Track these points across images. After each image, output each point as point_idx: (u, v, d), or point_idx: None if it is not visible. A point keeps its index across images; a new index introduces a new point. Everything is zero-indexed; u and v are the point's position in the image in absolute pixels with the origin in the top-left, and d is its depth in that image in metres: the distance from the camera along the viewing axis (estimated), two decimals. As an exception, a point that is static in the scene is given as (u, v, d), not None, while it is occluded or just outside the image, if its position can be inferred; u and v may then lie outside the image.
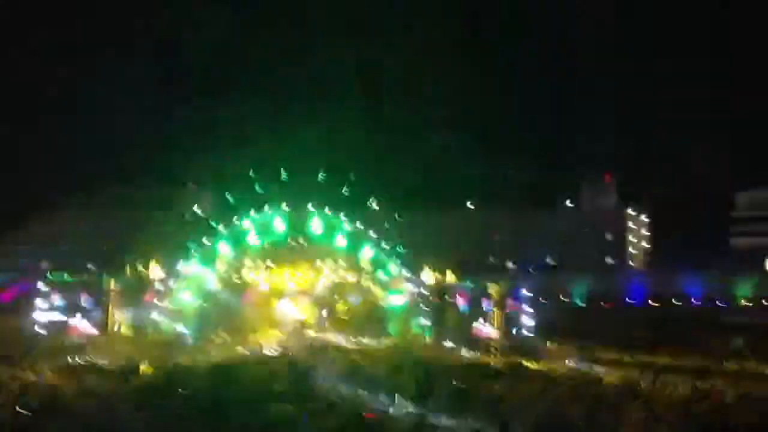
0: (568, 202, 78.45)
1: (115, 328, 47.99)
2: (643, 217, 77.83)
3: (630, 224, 77.11)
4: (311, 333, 49.71)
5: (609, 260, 70.51)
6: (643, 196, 76.96)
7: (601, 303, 58.52)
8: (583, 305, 58.91)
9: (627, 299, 60.70)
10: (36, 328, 46.33)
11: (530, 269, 59.01)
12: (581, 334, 47.27)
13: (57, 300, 48.19)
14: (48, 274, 50.70)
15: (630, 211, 77.79)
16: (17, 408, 21.78)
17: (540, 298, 55.53)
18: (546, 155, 79.49)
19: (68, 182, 68.02)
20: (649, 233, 77.55)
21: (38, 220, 70.05)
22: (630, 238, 76.14)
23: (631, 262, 74.60)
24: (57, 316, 47.44)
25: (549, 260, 67.40)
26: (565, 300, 59.30)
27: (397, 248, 53.74)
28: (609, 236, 72.95)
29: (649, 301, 60.54)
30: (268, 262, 53.35)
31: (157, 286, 50.70)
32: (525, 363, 37.69)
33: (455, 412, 21.91)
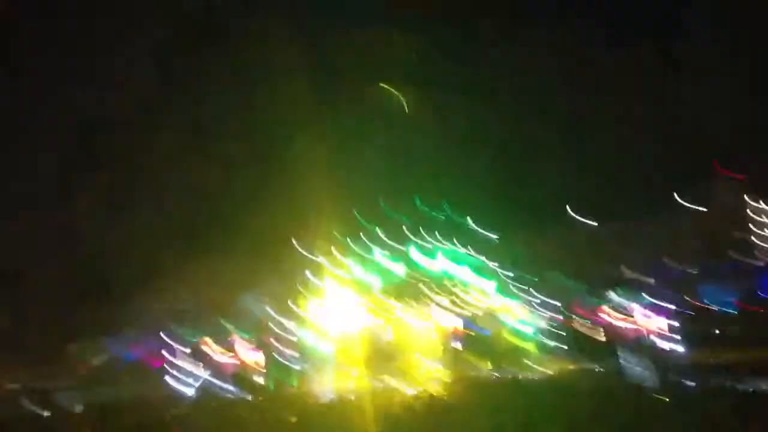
0: (699, 207, 74.34)
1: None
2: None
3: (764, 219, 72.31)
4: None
5: (750, 261, 65.93)
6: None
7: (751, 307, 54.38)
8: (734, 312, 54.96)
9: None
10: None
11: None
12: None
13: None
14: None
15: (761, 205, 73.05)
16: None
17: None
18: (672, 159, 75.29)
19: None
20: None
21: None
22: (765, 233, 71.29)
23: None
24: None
25: (689, 269, 63.42)
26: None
27: (523, 275, 52.33)
28: (746, 236, 68.32)
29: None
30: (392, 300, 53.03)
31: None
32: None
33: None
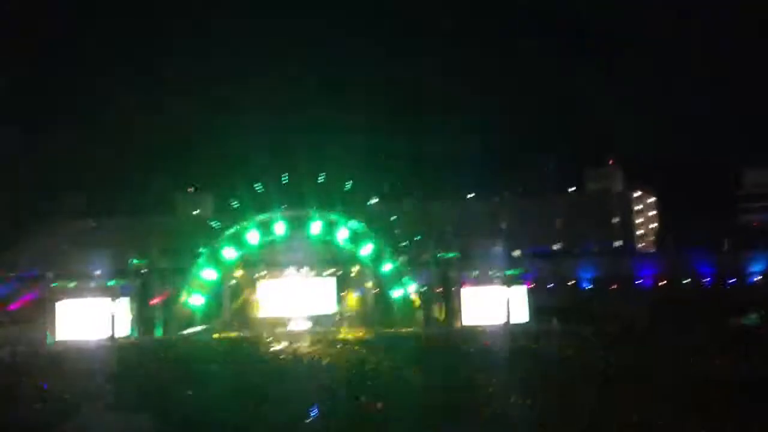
0: (573, 188, 78.25)
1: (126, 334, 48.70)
2: (651, 199, 77.45)
3: (637, 206, 76.74)
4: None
5: (616, 243, 70.15)
6: (650, 177, 76.42)
7: (609, 286, 58.28)
8: (590, 288, 58.71)
9: (635, 281, 60.39)
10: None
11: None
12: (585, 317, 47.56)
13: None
14: (54, 283, 50.98)
15: (636, 193, 77.38)
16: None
17: (547, 283, 55.73)
18: (551, 142, 78.81)
19: (71, 188, 68.32)
20: (656, 213, 77.12)
21: (44, 229, 70.96)
22: (637, 220, 75.77)
23: (639, 244, 74.22)
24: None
25: (556, 246, 67.14)
26: (571, 284, 59.16)
27: (401, 242, 54.08)
28: (615, 219, 72.57)
29: (659, 282, 60.24)
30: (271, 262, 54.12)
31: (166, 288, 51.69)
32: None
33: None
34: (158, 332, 49.86)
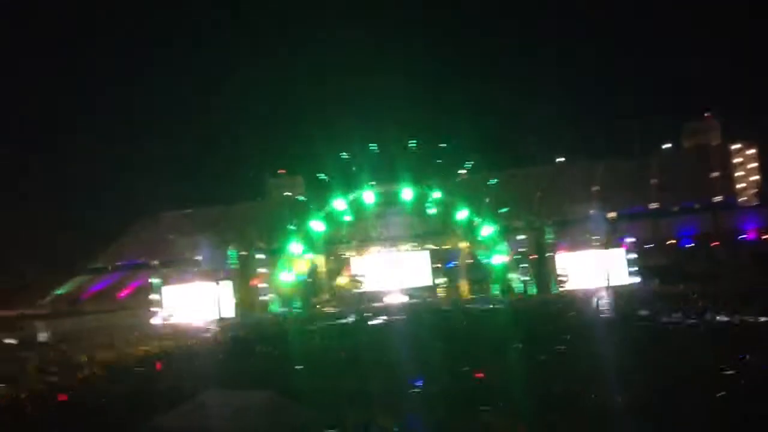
0: (669, 145, 75.42)
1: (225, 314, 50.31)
2: (751, 151, 73.84)
3: (737, 159, 73.35)
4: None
5: (716, 198, 67.28)
6: (749, 129, 72.77)
7: (711, 242, 56.12)
8: (691, 246, 56.66)
9: (737, 236, 57.93)
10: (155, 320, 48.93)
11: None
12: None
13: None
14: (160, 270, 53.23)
15: (736, 145, 73.95)
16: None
17: (646, 244, 54.18)
18: (645, 98, 76.08)
19: (161, 178, 70.89)
20: (757, 166, 73.49)
21: (145, 220, 73.96)
22: (737, 173, 72.41)
23: (742, 199, 71.02)
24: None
25: (652, 205, 64.99)
26: (672, 242, 57.27)
27: (492, 210, 53.65)
28: (715, 173, 69.56)
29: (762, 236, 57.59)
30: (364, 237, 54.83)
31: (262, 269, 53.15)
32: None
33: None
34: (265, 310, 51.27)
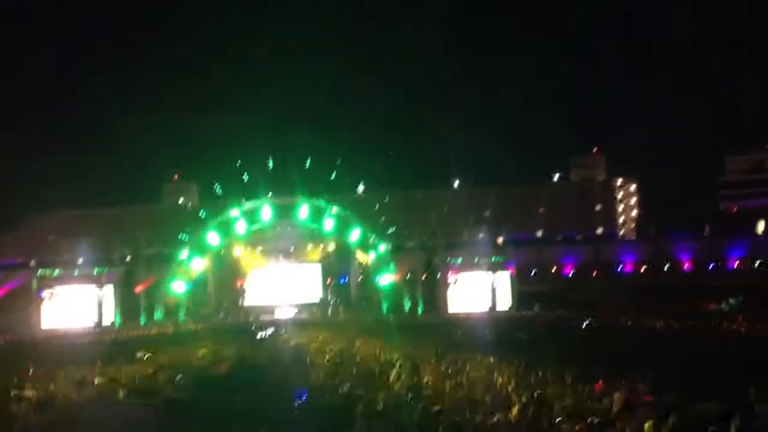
0: (556, 177, 78.75)
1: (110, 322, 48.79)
2: (632, 186, 78.17)
3: (620, 194, 77.46)
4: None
5: (598, 231, 70.75)
6: (632, 165, 77.06)
7: (591, 272, 58.93)
8: (573, 274, 59.39)
9: (617, 268, 61.08)
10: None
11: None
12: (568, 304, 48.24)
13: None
14: (38, 272, 51.02)
15: (619, 180, 78.10)
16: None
17: (530, 270, 56.35)
18: (536, 133, 79.16)
19: (54, 179, 68.14)
20: (637, 200, 77.88)
21: (29, 218, 70.73)
22: (619, 208, 76.48)
23: (621, 232, 74.99)
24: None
25: (538, 233, 67.72)
26: (554, 271, 59.82)
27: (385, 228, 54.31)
28: (598, 206, 73.16)
29: (641, 269, 60.94)
30: (258, 249, 54.31)
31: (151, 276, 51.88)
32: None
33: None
34: (142, 320, 50.01)
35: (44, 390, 19.99)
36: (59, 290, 49.53)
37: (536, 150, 79.85)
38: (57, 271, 51.16)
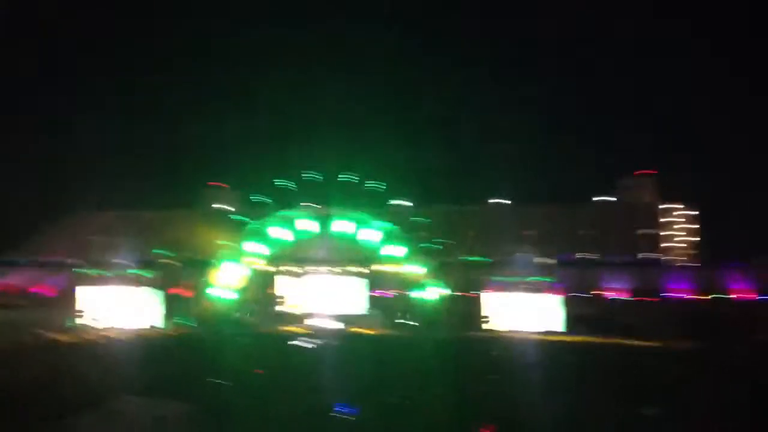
0: (606, 197, 76.49)
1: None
2: (689, 212, 75.57)
3: (674, 218, 74.93)
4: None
5: (651, 255, 68.29)
6: (687, 190, 74.67)
7: (640, 297, 56.66)
8: (624, 299, 57.17)
9: (670, 293, 58.66)
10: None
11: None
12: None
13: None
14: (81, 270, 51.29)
15: (673, 205, 75.64)
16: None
17: (575, 292, 54.38)
18: (587, 153, 77.57)
19: (97, 183, 68.57)
20: (694, 227, 75.22)
21: (74, 220, 71.12)
22: (673, 232, 73.90)
23: (676, 257, 72.42)
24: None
25: (584, 254, 65.53)
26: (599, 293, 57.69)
27: (431, 244, 53.11)
28: (651, 230, 70.67)
29: (694, 296, 58.52)
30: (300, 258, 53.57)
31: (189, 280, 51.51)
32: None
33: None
34: (178, 321, 49.44)
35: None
36: (94, 289, 49.56)
37: (586, 170, 78.36)
38: (95, 271, 51.19)
